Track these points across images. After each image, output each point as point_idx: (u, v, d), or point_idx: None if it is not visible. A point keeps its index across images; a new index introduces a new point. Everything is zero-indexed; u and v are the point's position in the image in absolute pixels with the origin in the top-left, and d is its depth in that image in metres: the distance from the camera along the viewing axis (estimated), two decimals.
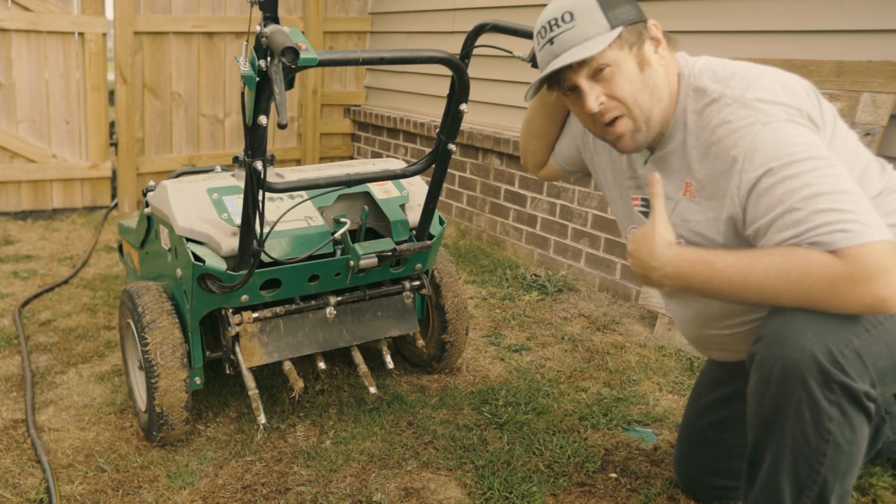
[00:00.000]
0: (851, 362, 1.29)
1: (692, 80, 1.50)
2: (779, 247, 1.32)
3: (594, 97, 1.47)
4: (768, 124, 1.37)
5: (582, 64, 1.45)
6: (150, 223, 2.37)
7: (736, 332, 1.61)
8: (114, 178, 4.98)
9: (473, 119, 4.30)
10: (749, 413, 1.43)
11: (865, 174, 1.50)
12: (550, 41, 1.48)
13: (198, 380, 2.22)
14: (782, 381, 1.33)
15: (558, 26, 1.46)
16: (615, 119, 1.50)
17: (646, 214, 1.65)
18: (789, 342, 1.32)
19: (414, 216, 2.30)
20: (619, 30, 1.43)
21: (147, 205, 2.34)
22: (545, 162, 1.99)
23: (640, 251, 1.47)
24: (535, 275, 3.65)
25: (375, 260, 2.15)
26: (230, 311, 2.13)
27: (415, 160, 2.93)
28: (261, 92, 1.61)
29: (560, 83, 1.51)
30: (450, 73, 1.89)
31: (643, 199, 1.66)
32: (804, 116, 1.40)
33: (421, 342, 2.49)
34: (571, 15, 1.45)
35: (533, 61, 1.75)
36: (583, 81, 1.47)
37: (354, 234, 2.26)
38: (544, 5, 1.52)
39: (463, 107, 1.95)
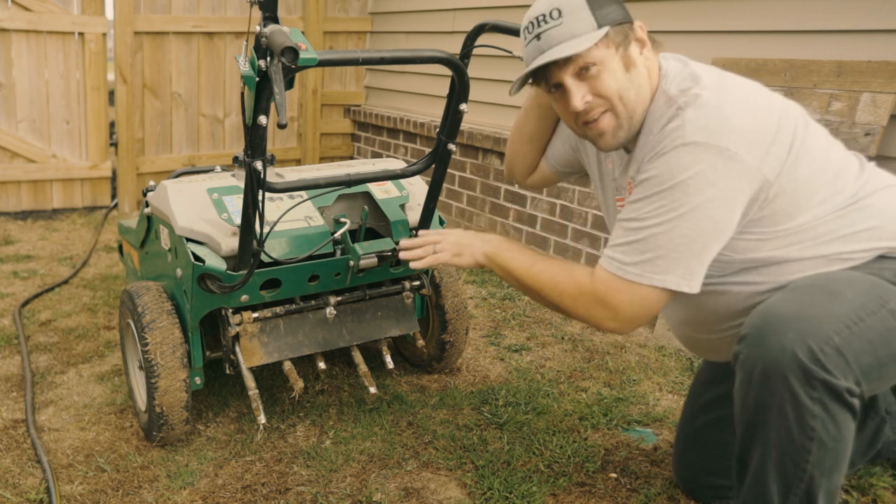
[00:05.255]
0: (833, 359, 1.30)
1: (664, 86, 1.51)
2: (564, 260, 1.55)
3: (580, 96, 1.49)
4: (696, 147, 1.39)
5: (568, 61, 1.46)
6: (150, 223, 2.37)
7: (724, 335, 1.61)
8: (114, 178, 4.98)
9: (473, 119, 4.30)
10: (735, 412, 1.44)
11: (839, 177, 1.49)
12: (537, 36, 1.48)
13: (198, 380, 2.22)
14: (764, 381, 1.34)
15: (546, 22, 1.47)
16: (600, 115, 1.51)
17: None
18: (770, 341, 1.33)
19: (414, 216, 2.30)
20: (605, 29, 1.44)
21: (147, 205, 2.34)
22: (535, 166, 1.99)
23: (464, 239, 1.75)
24: None
25: (375, 260, 2.15)
26: (230, 311, 2.13)
27: (415, 160, 2.92)
28: (261, 92, 1.61)
29: (546, 79, 1.52)
30: (450, 73, 1.89)
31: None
32: (746, 149, 1.38)
33: (421, 342, 2.48)
34: (559, 11, 1.45)
35: None
36: (568, 79, 1.48)
37: (354, 234, 2.26)
38: None
39: (463, 107, 1.95)
